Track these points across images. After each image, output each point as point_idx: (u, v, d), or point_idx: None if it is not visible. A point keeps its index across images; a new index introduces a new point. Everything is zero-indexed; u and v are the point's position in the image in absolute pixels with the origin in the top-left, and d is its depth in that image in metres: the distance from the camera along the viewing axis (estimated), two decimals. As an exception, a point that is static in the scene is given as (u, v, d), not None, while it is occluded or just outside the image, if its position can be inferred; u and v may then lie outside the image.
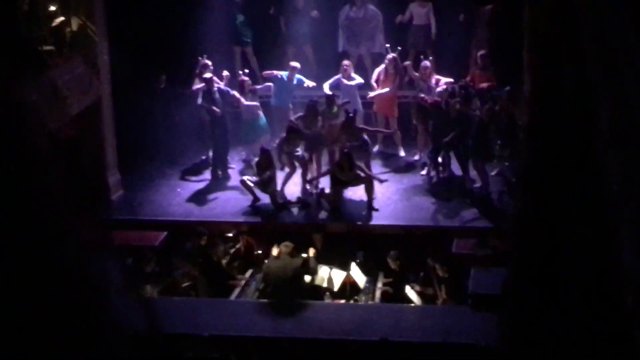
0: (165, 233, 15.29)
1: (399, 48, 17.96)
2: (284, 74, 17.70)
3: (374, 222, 15.51)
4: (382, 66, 17.82)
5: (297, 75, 17.65)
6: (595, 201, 7.73)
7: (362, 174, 15.64)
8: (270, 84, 17.76)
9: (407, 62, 17.78)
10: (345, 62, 17.98)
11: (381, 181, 15.94)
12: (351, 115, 16.31)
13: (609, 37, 7.54)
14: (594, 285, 8.06)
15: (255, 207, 16.04)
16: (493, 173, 16.55)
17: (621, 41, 7.31)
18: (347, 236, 15.42)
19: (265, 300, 13.67)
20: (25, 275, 4.80)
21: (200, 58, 17.87)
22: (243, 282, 14.49)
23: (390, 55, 17.66)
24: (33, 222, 4.98)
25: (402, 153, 18.04)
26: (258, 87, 17.64)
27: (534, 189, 9.12)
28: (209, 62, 17.77)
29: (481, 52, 17.85)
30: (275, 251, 13.96)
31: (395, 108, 17.82)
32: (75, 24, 15.77)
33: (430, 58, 18.00)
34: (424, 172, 17.10)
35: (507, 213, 14.70)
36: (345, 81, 17.60)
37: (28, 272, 4.85)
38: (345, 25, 19.54)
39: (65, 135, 15.16)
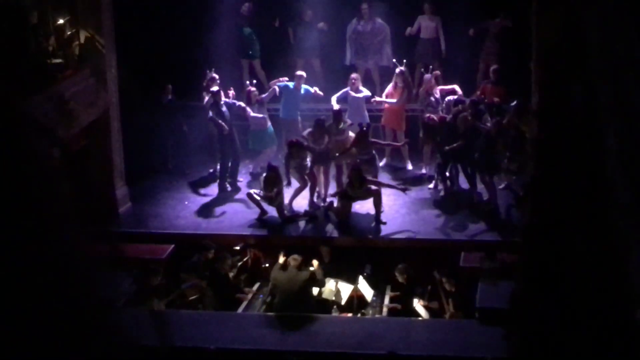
0: (172, 246, 15.28)
1: (405, 61, 17.95)
2: (290, 83, 17.72)
3: (381, 235, 15.50)
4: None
5: (304, 85, 17.68)
6: (603, 215, 7.72)
7: (373, 187, 15.63)
8: (275, 87, 17.77)
9: (427, 75, 17.77)
10: (353, 75, 17.98)
11: (404, 190, 15.96)
12: (365, 128, 16.37)
13: (616, 50, 7.54)
14: (602, 298, 8.04)
15: (262, 220, 16.04)
16: (501, 186, 16.54)
17: (628, 55, 7.31)
18: (355, 249, 15.41)
19: (272, 314, 13.65)
20: (32, 288, 4.80)
21: (207, 71, 17.90)
22: (250, 295, 14.48)
23: (399, 69, 17.67)
24: (41, 235, 4.98)
25: (409, 166, 18.04)
26: (264, 95, 17.64)
27: (542, 202, 9.11)
28: (216, 76, 17.80)
29: (493, 66, 17.89)
30: (281, 259, 13.96)
31: (403, 122, 17.84)
32: (83, 37, 15.82)
33: (437, 72, 17.99)
34: (431, 185, 17.10)
35: (515, 226, 14.70)
36: (352, 94, 17.61)
37: (35, 284, 4.85)
38: (352, 39, 19.57)
39: (73, 148, 15.20)
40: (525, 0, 9.49)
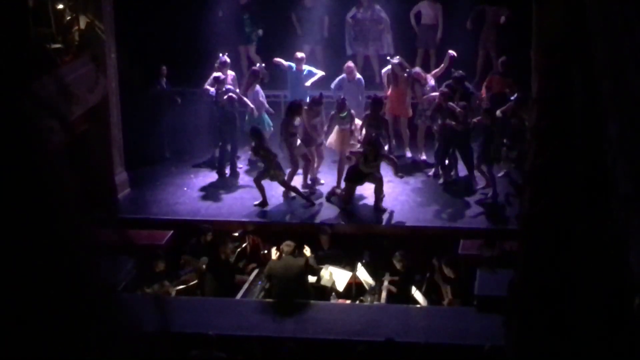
0: (171, 232, 15.30)
1: (398, 57, 17.94)
2: (293, 65, 17.74)
3: (380, 222, 15.53)
4: (388, 68, 17.78)
5: (306, 67, 17.69)
6: (603, 204, 7.73)
7: (377, 175, 15.66)
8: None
9: (415, 69, 17.80)
10: (349, 63, 17.94)
11: (401, 176, 16.04)
12: (377, 101, 16.50)
13: (617, 38, 7.53)
14: (601, 287, 8.05)
15: (261, 207, 16.06)
16: (500, 174, 16.55)
17: (630, 43, 7.31)
18: (354, 236, 15.43)
19: (271, 300, 13.67)
20: (33, 275, 4.80)
21: (221, 55, 17.91)
22: (250, 278, 14.49)
23: (396, 60, 17.65)
24: (42, 220, 4.98)
25: (409, 153, 18.02)
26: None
27: (542, 191, 9.11)
28: (228, 60, 17.82)
29: (502, 58, 17.85)
30: (274, 253, 14.03)
31: (409, 108, 17.73)
32: (83, 22, 15.80)
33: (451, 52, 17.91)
34: (431, 172, 17.11)
35: (514, 214, 14.72)
36: (348, 82, 17.63)
37: (36, 271, 4.85)
38: (352, 26, 19.56)
39: (71, 134, 15.19)
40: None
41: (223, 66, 17.63)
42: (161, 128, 18.20)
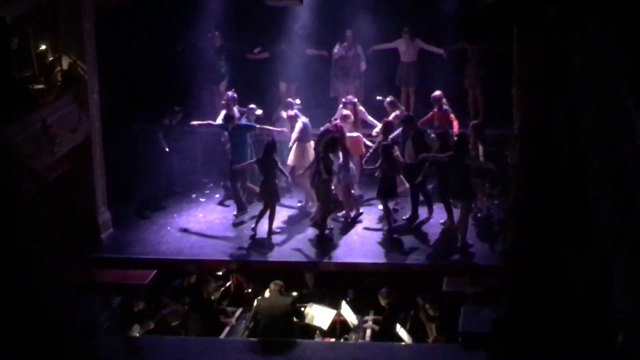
0: (154, 271, 15.24)
1: (354, 99, 18.12)
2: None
3: (364, 260, 15.51)
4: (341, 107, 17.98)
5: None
6: (587, 239, 7.75)
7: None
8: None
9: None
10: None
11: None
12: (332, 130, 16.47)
13: (598, 75, 7.59)
14: (585, 322, 8.06)
15: (245, 245, 16.04)
16: (479, 215, 16.52)
17: (611, 80, 7.37)
18: (338, 275, 15.40)
19: (255, 339, 13.60)
20: (10, 315, 4.76)
21: (229, 92, 18.18)
22: (234, 319, 14.44)
23: (350, 98, 17.88)
24: (18, 262, 4.95)
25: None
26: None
27: (525, 227, 9.14)
28: (235, 95, 18.07)
29: (435, 93, 17.83)
30: (267, 293, 13.99)
31: (363, 147, 17.64)
32: (65, 62, 15.80)
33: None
34: (405, 217, 16.99)
35: (498, 251, 14.74)
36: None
37: (13, 311, 4.81)
38: (335, 61, 19.75)
39: (55, 173, 15.16)
40: (507, 26, 9.55)
41: (231, 101, 17.86)
42: (171, 163, 18.20)
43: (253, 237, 16.31)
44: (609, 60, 7.38)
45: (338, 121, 17.03)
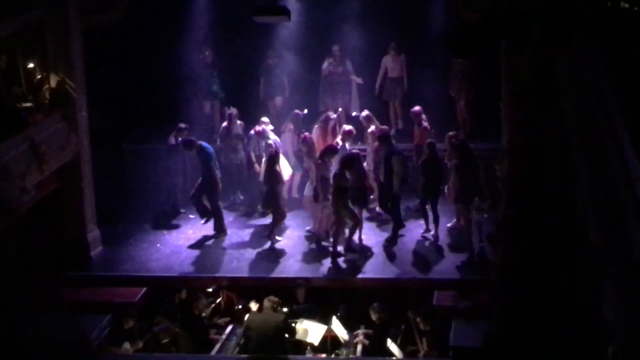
0: (144, 289, 15.21)
1: (334, 115, 18.16)
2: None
3: (355, 275, 15.50)
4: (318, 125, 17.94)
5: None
6: (575, 253, 7.77)
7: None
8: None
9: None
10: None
11: None
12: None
13: (586, 90, 7.62)
14: (575, 336, 8.07)
15: (236, 262, 16.03)
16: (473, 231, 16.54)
17: (598, 95, 7.40)
18: (329, 290, 15.38)
19: (245, 356, 13.58)
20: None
21: (227, 109, 18.33)
22: (224, 336, 14.41)
23: (332, 115, 18.00)
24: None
25: (378, 208, 17.85)
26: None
27: (515, 241, 9.16)
28: (236, 111, 18.18)
29: (414, 108, 17.89)
30: (254, 306, 13.96)
31: None
32: (54, 80, 15.78)
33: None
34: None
35: (488, 265, 14.74)
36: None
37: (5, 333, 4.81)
38: (324, 77, 19.86)
39: (44, 192, 15.14)
40: (495, 41, 9.58)
41: (233, 118, 18.00)
42: (175, 183, 18.20)
43: (272, 247, 16.46)
44: (596, 75, 7.42)
45: (307, 134, 17.17)
